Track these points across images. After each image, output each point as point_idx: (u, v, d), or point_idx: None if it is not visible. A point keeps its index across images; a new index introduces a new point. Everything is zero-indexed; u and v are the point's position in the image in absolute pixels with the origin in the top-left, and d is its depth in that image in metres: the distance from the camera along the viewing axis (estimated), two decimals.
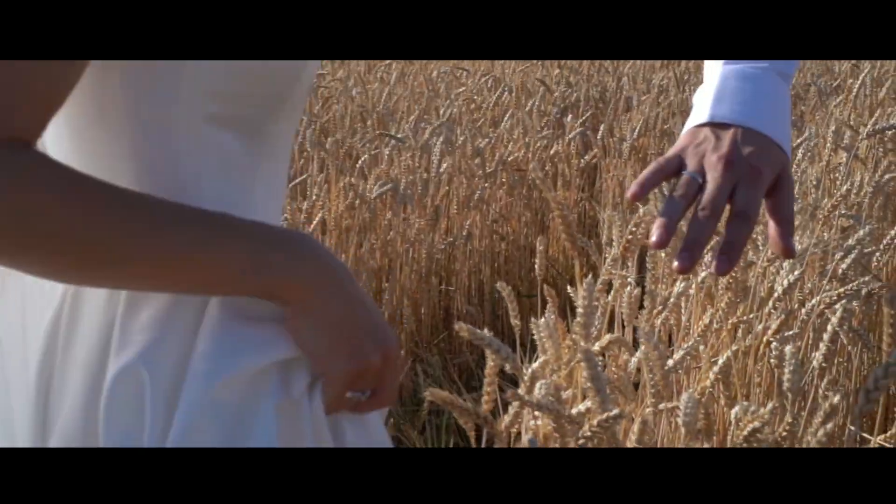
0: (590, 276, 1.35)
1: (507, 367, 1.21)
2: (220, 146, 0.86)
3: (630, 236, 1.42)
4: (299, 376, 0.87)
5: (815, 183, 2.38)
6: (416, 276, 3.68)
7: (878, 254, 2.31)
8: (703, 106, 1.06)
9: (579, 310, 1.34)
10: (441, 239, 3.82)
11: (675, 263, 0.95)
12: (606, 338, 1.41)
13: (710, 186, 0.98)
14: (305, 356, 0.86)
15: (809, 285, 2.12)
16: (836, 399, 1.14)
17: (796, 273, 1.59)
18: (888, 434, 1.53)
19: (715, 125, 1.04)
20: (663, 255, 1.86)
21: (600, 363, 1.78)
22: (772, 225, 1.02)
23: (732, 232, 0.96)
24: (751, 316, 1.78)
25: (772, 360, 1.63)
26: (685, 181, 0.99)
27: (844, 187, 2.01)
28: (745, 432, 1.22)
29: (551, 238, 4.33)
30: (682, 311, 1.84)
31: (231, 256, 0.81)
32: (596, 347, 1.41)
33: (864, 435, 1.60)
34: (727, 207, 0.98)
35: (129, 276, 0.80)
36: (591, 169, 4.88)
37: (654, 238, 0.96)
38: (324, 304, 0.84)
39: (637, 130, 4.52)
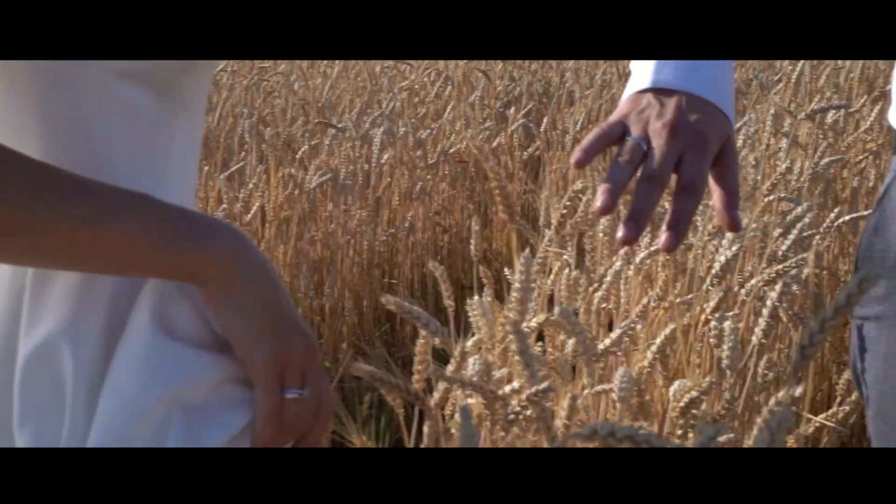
0: (527, 250, 1.31)
1: (437, 342, 1.17)
2: (131, 102, 0.82)
3: (565, 210, 1.39)
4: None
5: (754, 164, 2.37)
6: (357, 268, 3.64)
7: (817, 237, 2.30)
8: (643, 72, 1.02)
9: (515, 285, 1.30)
10: (383, 231, 3.78)
11: (620, 234, 0.91)
12: (542, 315, 1.38)
13: (656, 154, 0.94)
14: (229, 340, 0.81)
15: (749, 268, 2.10)
16: (799, 391, 1.11)
17: (734, 249, 1.56)
18: (828, 413, 1.51)
19: (658, 91, 1.00)
20: (601, 234, 1.83)
21: (539, 347, 1.75)
22: (716, 196, 0.97)
23: (679, 205, 0.92)
24: (689, 297, 1.75)
25: (710, 340, 1.60)
26: (630, 147, 0.95)
27: (784, 165, 1.99)
28: (681, 403, 1.18)
29: (494, 231, 4.31)
30: (622, 292, 1.81)
31: (143, 228, 0.77)
32: (533, 324, 1.38)
33: (808, 415, 1.58)
34: (673, 177, 0.95)
35: (32, 248, 0.75)
36: (534, 161, 4.86)
37: (598, 203, 0.91)
38: (247, 284, 0.80)
39: (580, 123, 4.50)
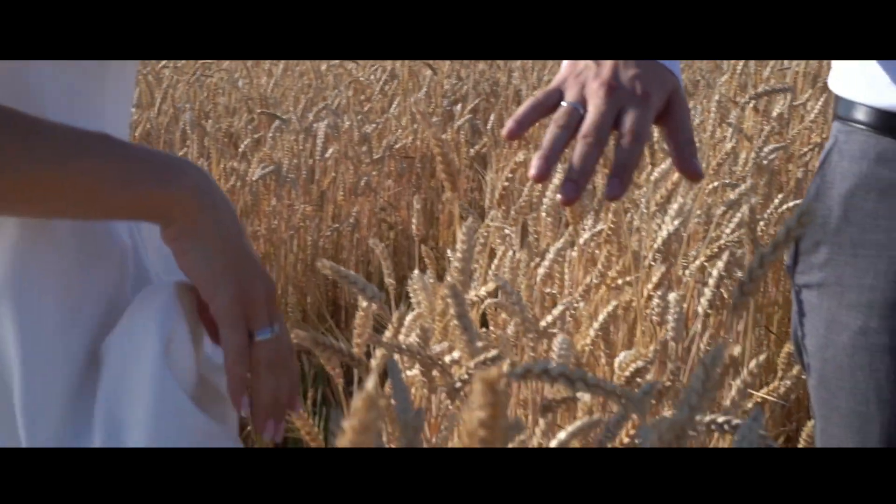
0: (469, 219, 1.29)
1: (374, 307, 1.15)
2: None
3: (507, 182, 1.37)
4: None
5: (699, 145, 2.36)
6: (301, 264, 3.60)
7: (762, 223, 2.30)
8: None
9: (457, 254, 1.28)
10: (327, 226, 3.74)
11: (559, 196, 0.89)
12: (485, 287, 1.35)
13: (592, 112, 0.91)
14: (191, 279, 0.80)
15: (694, 253, 2.09)
16: (737, 350, 1.09)
17: (676, 223, 1.55)
18: (770, 388, 1.50)
19: None
20: (545, 215, 1.80)
21: (482, 332, 1.73)
22: (673, 149, 0.95)
23: (622, 153, 0.89)
24: (631, 278, 1.74)
25: (654, 317, 1.59)
26: (565, 111, 0.92)
27: (730, 144, 1.98)
28: (626, 373, 1.17)
29: (441, 230, 4.29)
30: (566, 273, 1.80)
31: (107, 168, 0.75)
32: (476, 295, 1.35)
33: (750, 391, 1.57)
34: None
35: None
36: (481, 159, 4.84)
37: (533, 171, 0.89)
38: (211, 223, 0.78)
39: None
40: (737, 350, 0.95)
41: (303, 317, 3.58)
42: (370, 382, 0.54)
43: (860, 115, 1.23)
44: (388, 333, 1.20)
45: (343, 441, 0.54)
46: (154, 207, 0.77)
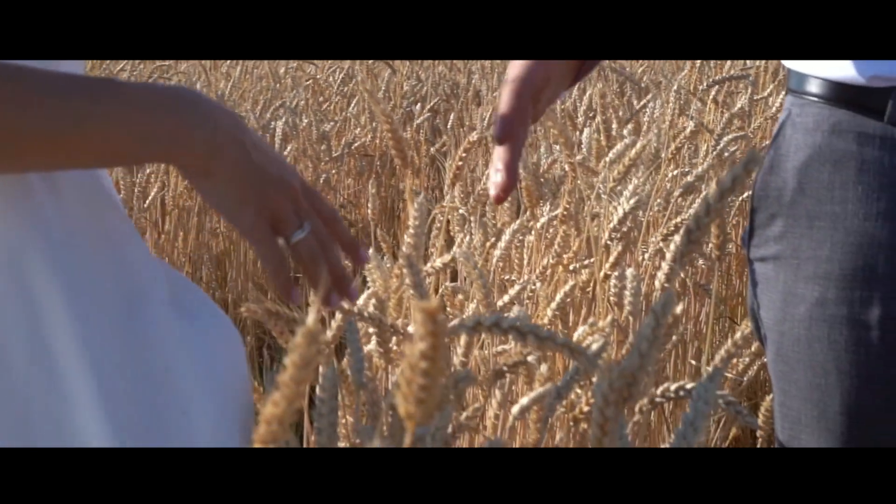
0: (421, 195, 1.28)
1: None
2: None
3: (460, 162, 1.36)
4: None
5: (657, 132, 2.37)
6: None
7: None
8: None
9: (409, 229, 1.27)
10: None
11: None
12: (441, 259, 1.34)
13: None
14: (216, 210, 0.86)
15: (653, 240, 2.09)
16: (679, 308, 1.09)
17: (632, 202, 1.54)
18: (716, 361, 1.49)
19: None
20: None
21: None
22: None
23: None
24: (588, 261, 1.73)
25: (611, 297, 1.58)
26: None
27: (689, 129, 1.98)
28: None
29: (402, 228, 4.27)
30: (524, 257, 1.79)
31: (121, 129, 0.78)
32: (433, 266, 1.34)
33: (692, 362, 1.56)
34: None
35: (17, 154, 0.74)
36: (441, 158, 4.83)
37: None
38: (223, 165, 0.82)
39: (487, 120, 4.48)
40: (679, 308, 0.94)
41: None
42: (311, 317, 0.53)
43: (813, 87, 1.23)
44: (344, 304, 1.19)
45: (284, 376, 0.53)
46: (167, 160, 0.83)
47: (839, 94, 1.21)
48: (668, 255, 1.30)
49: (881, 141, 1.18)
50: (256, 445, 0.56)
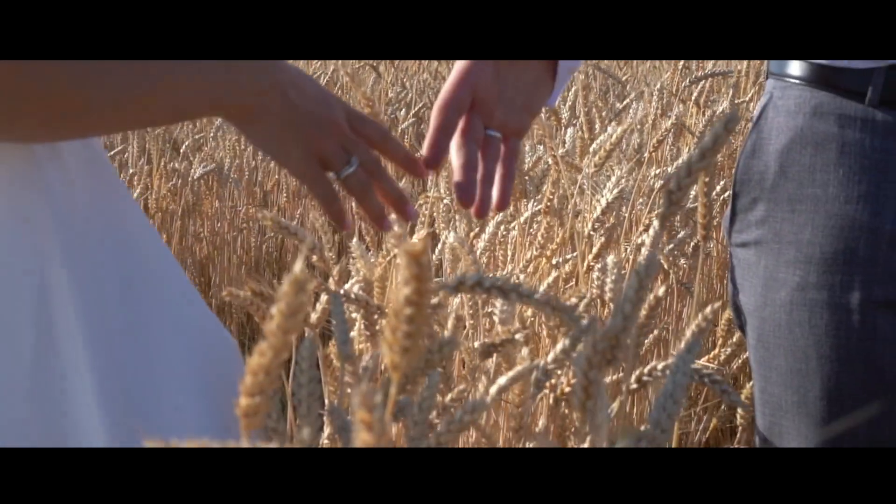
0: (403, 179, 1.28)
1: (314, 259, 1.14)
2: None
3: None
4: None
5: (639, 127, 2.37)
6: (245, 266, 3.57)
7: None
8: None
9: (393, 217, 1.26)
10: (272, 228, 3.70)
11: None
12: (421, 234, 1.35)
13: None
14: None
15: (634, 237, 2.10)
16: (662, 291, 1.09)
17: (615, 192, 1.55)
18: (710, 356, 1.50)
19: None
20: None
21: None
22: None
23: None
24: (572, 256, 1.74)
25: (594, 290, 1.59)
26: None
27: (669, 122, 1.99)
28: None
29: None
30: (508, 252, 1.79)
31: (184, 89, 0.82)
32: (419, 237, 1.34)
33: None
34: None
35: (96, 123, 0.81)
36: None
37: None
38: (267, 111, 0.85)
39: None
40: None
41: (247, 318, 3.55)
42: (298, 265, 0.53)
43: (794, 70, 1.24)
44: (330, 283, 1.19)
45: (271, 325, 0.54)
46: (216, 113, 0.86)
47: (820, 76, 1.21)
48: (648, 239, 1.30)
49: (862, 123, 1.18)
50: (243, 398, 0.56)
